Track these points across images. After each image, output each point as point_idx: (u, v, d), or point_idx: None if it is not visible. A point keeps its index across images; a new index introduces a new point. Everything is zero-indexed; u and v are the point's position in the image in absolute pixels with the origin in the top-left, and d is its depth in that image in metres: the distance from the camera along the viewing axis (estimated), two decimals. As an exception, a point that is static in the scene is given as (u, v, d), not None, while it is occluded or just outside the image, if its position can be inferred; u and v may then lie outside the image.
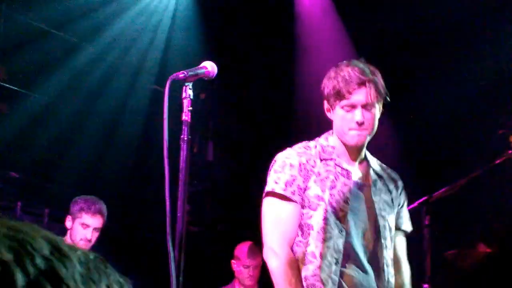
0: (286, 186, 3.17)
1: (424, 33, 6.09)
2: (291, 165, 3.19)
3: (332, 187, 3.18)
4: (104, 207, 4.76)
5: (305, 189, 3.17)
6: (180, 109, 2.77)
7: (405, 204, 3.48)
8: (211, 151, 7.07)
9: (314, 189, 3.17)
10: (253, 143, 6.96)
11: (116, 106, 6.61)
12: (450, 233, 5.72)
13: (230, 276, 5.58)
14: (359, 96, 3.10)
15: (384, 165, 3.44)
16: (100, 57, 6.51)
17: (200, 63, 2.93)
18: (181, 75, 2.73)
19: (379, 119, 3.24)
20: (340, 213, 3.15)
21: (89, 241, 4.66)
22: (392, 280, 3.26)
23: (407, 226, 3.46)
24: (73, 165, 6.39)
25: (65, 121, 6.42)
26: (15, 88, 6.11)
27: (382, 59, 3.81)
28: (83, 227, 4.66)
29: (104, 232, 4.82)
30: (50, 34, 6.23)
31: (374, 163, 3.39)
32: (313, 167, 3.21)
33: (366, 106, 3.12)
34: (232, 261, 5.53)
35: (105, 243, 4.90)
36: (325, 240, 3.12)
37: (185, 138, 2.72)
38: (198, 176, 6.87)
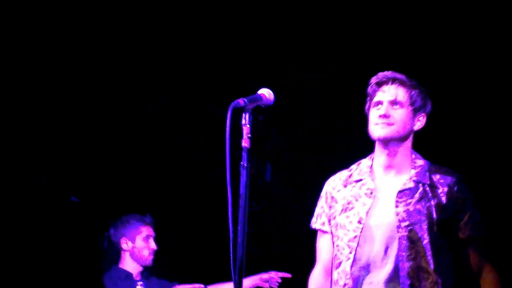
0: (316, 218, 3.33)
1: None
2: (321, 196, 3.34)
3: (347, 210, 3.19)
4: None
5: (334, 218, 3.23)
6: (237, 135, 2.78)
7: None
8: (269, 172, 7.07)
9: (337, 218, 3.22)
10: (311, 163, 6.92)
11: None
12: None
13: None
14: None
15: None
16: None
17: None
18: (242, 103, 2.76)
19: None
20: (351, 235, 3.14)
21: (155, 251, 4.84)
22: None
23: None
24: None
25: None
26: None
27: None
28: (146, 240, 4.77)
29: (166, 260, 4.88)
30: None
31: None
32: (338, 191, 3.25)
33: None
34: None
35: (168, 270, 4.94)
36: (335, 267, 3.16)
37: (245, 165, 2.75)
38: (256, 197, 6.87)
